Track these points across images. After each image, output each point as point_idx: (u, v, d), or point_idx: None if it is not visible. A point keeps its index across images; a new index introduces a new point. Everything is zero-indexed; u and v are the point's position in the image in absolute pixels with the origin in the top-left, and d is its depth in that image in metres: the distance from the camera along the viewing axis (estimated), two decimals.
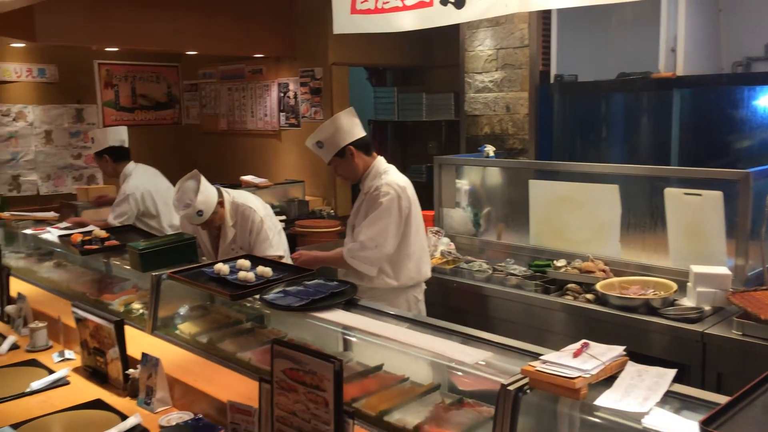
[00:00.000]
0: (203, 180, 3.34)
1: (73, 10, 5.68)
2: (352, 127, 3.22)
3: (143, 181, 4.59)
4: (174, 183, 3.50)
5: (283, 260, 3.44)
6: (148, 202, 4.52)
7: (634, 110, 4.52)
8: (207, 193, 3.32)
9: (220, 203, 3.42)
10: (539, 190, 4.03)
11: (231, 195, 3.54)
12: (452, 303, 3.74)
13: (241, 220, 3.49)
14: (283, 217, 5.74)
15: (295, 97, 7.14)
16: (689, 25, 4.29)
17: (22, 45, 6.99)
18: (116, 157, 4.69)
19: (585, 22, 4.73)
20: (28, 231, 4.14)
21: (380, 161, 3.30)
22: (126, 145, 4.72)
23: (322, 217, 6.45)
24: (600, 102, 4.69)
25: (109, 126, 4.84)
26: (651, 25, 4.40)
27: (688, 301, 3.09)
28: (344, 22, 3.94)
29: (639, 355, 1.74)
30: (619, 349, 1.69)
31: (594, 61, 4.78)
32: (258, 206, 3.56)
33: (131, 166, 4.68)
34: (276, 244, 3.56)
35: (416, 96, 7.11)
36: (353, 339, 2.36)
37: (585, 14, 4.31)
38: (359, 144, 3.23)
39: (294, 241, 5.31)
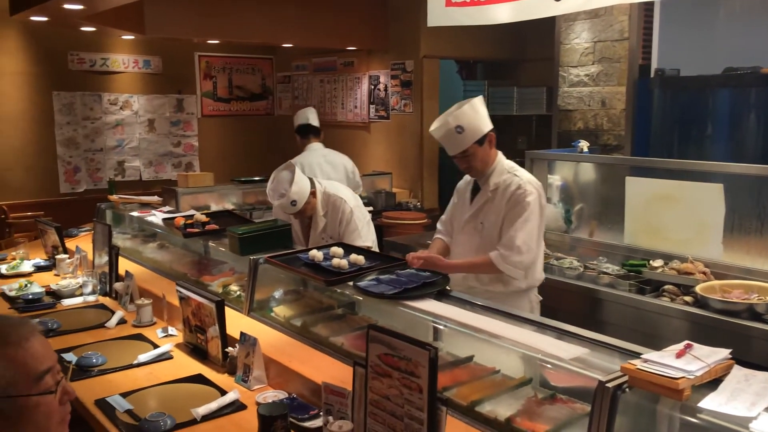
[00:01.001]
0: (297, 171, 3.43)
1: (179, 5, 5.96)
2: (487, 114, 3.02)
3: (302, 158, 4.98)
4: (269, 174, 3.61)
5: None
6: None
7: (740, 107, 4.30)
8: (301, 183, 3.41)
9: (313, 193, 3.50)
10: (637, 188, 3.91)
11: (323, 185, 3.62)
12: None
13: (332, 210, 3.56)
14: (371, 208, 5.79)
15: (386, 89, 7.19)
16: None
17: (131, 37, 7.38)
18: (300, 135, 5.25)
19: (690, 15, 4.54)
20: (135, 213, 4.38)
21: (502, 156, 3.08)
22: (306, 123, 5.20)
23: (408, 209, 6.49)
24: (704, 97, 4.48)
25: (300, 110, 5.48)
26: (762, 17, 4.18)
27: None
28: (439, 14, 3.93)
29: (740, 362, 1.68)
30: (724, 352, 1.64)
31: (698, 55, 4.58)
32: (348, 197, 3.62)
33: (311, 146, 5.15)
34: (365, 234, 3.60)
35: (507, 90, 7.02)
36: (443, 329, 2.37)
37: (691, 6, 4.14)
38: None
39: (380, 232, 5.36)
